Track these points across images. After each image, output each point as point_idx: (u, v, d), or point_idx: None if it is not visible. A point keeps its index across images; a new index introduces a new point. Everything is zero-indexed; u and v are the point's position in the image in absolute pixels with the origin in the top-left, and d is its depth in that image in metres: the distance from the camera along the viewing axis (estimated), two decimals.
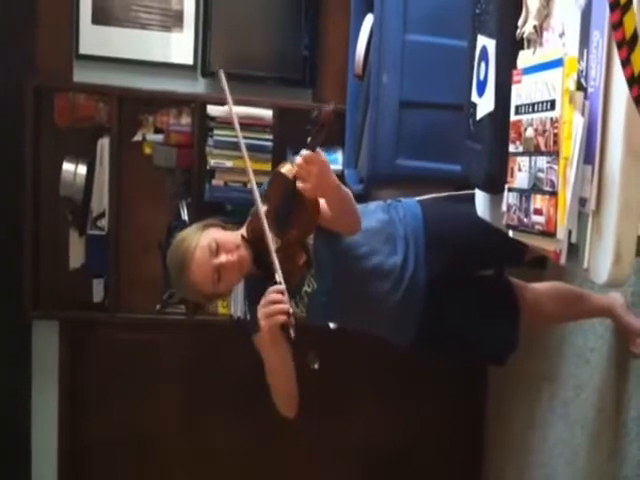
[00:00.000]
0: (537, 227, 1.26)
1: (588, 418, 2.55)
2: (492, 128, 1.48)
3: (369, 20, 2.83)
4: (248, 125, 3.03)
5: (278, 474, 3.57)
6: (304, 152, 1.74)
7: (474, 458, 3.63)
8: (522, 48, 1.38)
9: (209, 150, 3.14)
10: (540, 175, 1.23)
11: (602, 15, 1.09)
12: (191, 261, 1.90)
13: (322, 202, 1.87)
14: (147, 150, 3.21)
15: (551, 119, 1.19)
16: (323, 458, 3.56)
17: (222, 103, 3.12)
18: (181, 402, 3.50)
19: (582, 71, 1.15)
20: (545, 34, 1.32)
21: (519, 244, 1.43)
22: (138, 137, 3.21)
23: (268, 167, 3.05)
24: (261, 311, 1.78)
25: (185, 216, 3.23)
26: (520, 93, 1.32)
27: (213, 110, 3.12)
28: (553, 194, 1.19)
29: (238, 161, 3.09)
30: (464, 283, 2.25)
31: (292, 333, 1.72)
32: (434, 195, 2.30)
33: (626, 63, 0.92)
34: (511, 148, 1.35)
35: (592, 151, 1.12)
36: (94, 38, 3.19)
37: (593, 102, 1.13)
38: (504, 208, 1.41)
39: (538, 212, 1.25)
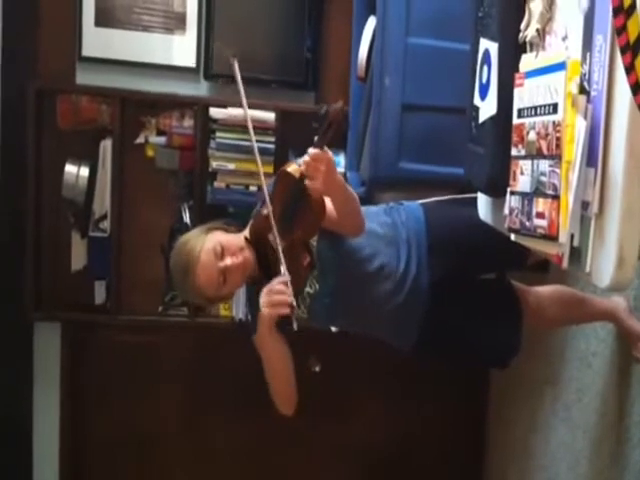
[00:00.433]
0: (539, 230, 1.26)
1: (590, 422, 2.54)
2: (494, 131, 1.48)
3: (371, 23, 2.83)
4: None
5: (278, 474, 3.57)
6: (312, 150, 1.73)
7: (475, 461, 3.62)
8: (525, 51, 1.38)
9: (211, 152, 3.14)
10: (542, 178, 1.23)
11: (605, 19, 1.09)
12: (196, 264, 1.89)
13: (327, 203, 1.86)
14: (149, 152, 3.20)
15: (553, 122, 1.19)
16: (323, 459, 3.55)
17: (224, 105, 3.13)
18: (181, 402, 3.50)
19: (585, 74, 1.15)
20: (548, 37, 1.32)
21: (521, 247, 1.43)
22: (140, 139, 3.21)
23: (270, 169, 3.05)
24: (264, 299, 1.77)
25: (187, 218, 3.23)
26: (522, 96, 1.32)
27: (215, 112, 3.12)
28: (555, 197, 1.19)
29: (240, 163, 3.10)
30: (466, 286, 2.25)
31: (294, 326, 1.72)
32: (436, 198, 2.29)
33: (630, 69, 0.91)
34: (513, 151, 1.35)
35: (595, 154, 1.12)
36: (97, 40, 3.18)
37: (596, 105, 1.12)
38: (506, 211, 1.41)
39: (540, 215, 1.25)
